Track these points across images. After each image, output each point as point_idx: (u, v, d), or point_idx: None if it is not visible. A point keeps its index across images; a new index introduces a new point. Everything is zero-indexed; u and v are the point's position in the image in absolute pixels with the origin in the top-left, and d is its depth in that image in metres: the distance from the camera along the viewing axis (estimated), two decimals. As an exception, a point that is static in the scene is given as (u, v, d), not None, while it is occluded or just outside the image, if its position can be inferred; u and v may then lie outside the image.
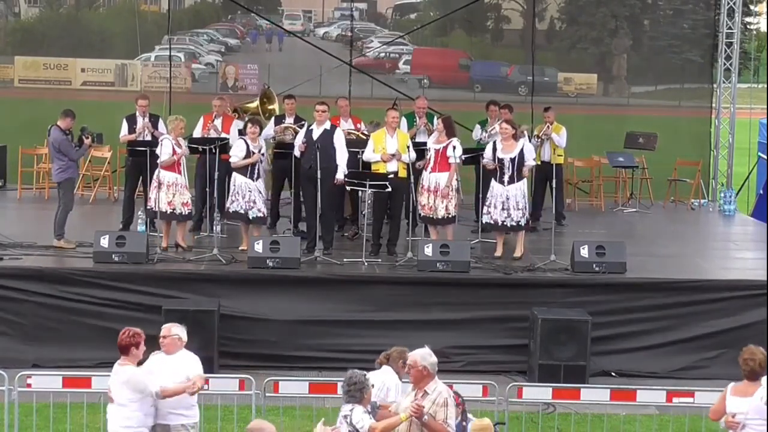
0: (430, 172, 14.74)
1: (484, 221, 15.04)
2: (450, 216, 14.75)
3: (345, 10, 25.88)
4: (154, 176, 14.55)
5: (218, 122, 16.09)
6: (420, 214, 14.80)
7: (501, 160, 14.75)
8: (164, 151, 14.49)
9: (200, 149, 15.21)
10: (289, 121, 16.40)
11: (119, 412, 9.02)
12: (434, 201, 14.67)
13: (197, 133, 15.84)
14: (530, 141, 15.91)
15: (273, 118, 16.56)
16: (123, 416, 9.00)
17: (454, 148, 14.69)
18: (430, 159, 14.79)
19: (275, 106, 17.22)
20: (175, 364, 9.29)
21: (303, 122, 16.40)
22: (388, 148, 14.79)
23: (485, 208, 14.92)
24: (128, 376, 9.00)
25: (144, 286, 13.71)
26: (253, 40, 26.61)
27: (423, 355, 8.56)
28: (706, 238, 18.33)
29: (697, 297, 14.02)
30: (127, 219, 15.99)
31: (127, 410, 9.00)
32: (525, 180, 14.82)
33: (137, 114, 16.05)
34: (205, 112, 16.45)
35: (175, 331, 9.36)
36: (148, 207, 14.73)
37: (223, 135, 15.82)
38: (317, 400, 10.89)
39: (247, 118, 15.91)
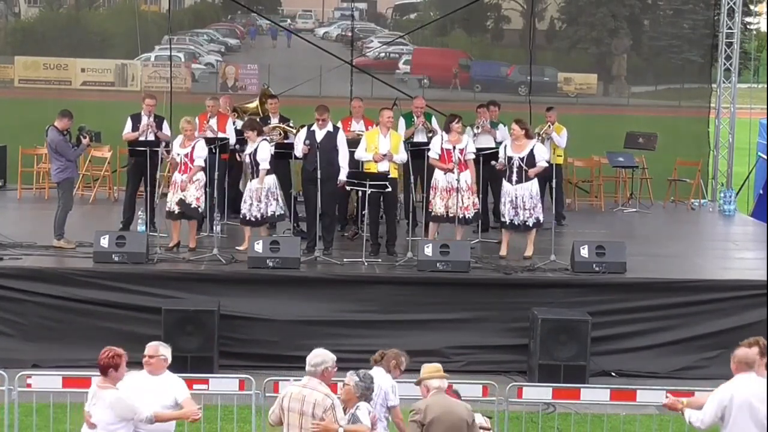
0: (459, 173, 14.72)
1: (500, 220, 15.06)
2: (477, 212, 14.88)
3: (345, 10, 25.88)
4: (173, 179, 14.70)
5: (213, 122, 16.12)
6: (442, 215, 14.76)
7: (510, 159, 14.76)
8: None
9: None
10: (275, 121, 16.43)
11: None
12: (467, 199, 14.67)
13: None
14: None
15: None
16: None
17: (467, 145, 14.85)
18: (455, 160, 14.75)
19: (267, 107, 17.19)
20: (161, 386, 8.81)
21: (289, 121, 16.41)
22: (380, 148, 14.80)
23: (500, 206, 14.91)
24: (113, 400, 8.53)
25: (144, 286, 13.72)
26: (252, 37, 26.61)
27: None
28: (706, 238, 18.34)
29: (697, 297, 14.03)
30: (128, 219, 15.99)
31: None
32: (536, 180, 14.82)
33: (143, 113, 16.06)
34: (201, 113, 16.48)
35: (162, 351, 8.92)
36: (167, 209, 14.72)
37: (220, 134, 15.85)
38: (317, 400, 10.89)
39: (245, 119, 15.93)
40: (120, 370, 8.65)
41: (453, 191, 14.68)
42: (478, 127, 16.68)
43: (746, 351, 8.86)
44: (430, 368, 8.90)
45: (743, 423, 8.61)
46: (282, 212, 14.85)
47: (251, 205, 14.62)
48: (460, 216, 14.70)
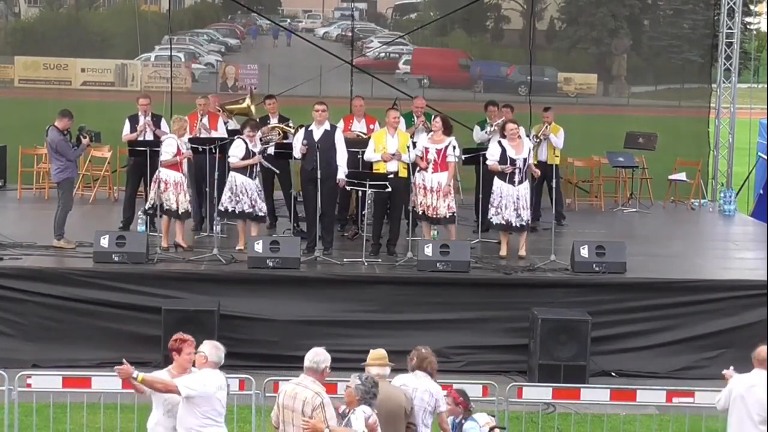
0: (432, 173, 14.70)
1: (494, 222, 14.93)
2: (452, 214, 14.76)
3: (345, 10, 25.88)
4: (155, 175, 14.59)
5: (205, 120, 16.14)
6: (419, 213, 14.77)
7: (514, 161, 14.74)
8: (168, 150, 14.51)
9: (200, 149, 15.23)
10: (274, 121, 16.43)
11: None
12: (436, 201, 14.64)
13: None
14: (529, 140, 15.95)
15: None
16: None
17: (454, 147, 14.72)
18: (431, 159, 14.72)
19: (252, 109, 17.16)
20: None
21: (288, 120, 16.41)
22: (388, 147, 14.80)
23: (494, 208, 14.83)
24: None
25: (144, 286, 13.72)
26: (253, 36, 26.63)
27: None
28: (706, 238, 18.33)
29: (697, 297, 14.03)
30: (128, 219, 16.00)
31: None
32: (528, 180, 14.84)
33: (139, 113, 16.09)
34: (207, 113, 16.48)
35: (201, 348, 9.02)
36: (149, 206, 14.75)
37: (213, 133, 15.88)
38: (317, 400, 10.88)
39: (245, 120, 15.93)
40: (182, 354, 8.97)
41: (427, 191, 14.68)
42: (491, 126, 16.68)
43: (761, 348, 9.13)
44: (374, 355, 9.03)
45: (737, 415, 9.04)
46: (263, 214, 14.85)
47: (238, 200, 14.61)
48: (431, 216, 14.68)
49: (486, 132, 16.80)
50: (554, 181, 15.39)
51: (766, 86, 28.41)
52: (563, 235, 16.47)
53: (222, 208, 14.66)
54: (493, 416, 10.14)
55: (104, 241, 14.01)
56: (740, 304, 13.98)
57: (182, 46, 25.07)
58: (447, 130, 14.82)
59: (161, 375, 8.99)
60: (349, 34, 24.09)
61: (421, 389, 9.03)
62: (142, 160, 15.34)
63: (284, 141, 16.04)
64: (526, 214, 14.76)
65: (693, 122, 21.95)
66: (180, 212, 14.62)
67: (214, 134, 15.89)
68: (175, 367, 9.01)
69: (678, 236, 17.57)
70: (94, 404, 10.85)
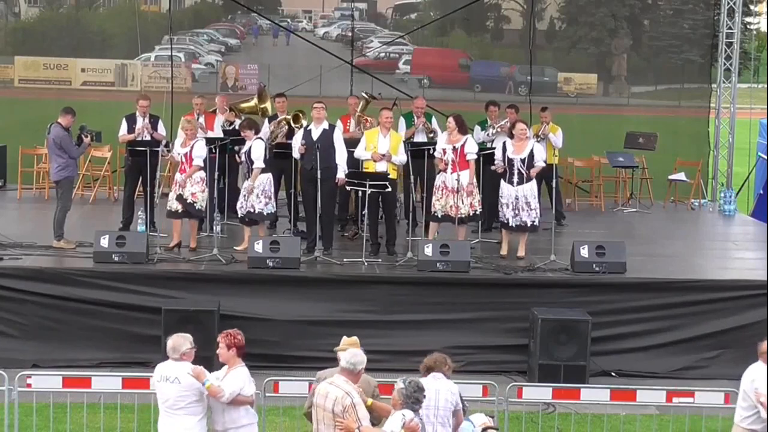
0: (451, 173, 14.68)
1: (499, 220, 15.04)
2: (475, 213, 14.77)
3: (345, 10, 25.89)
4: (175, 179, 14.75)
5: (201, 120, 16.16)
6: (438, 216, 14.72)
7: (511, 161, 14.74)
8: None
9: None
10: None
11: None
12: (459, 200, 14.61)
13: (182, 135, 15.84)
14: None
15: (267, 119, 16.57)
16: None
17: (466, 142, 14.74)
18: (448, 159, 14.70)
19: (267, 105, 17.20)
20: None
21: (302, 115, 16.39)
22: (379, 147, 14.79)
23: (501, 208, 14.88)
24: None
25: (144, 286, 13.71)
26: (255, 35, 26.64)
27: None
28: (706, 238, 18.33)
29: (697, 297, 14.03)
30: (127, 219, 15.99)
31: None
32: (534, 181, 14.82)
33: (137, 114, 16.07)
34: (203, 113, 16.49)
35: None
36: (168, 208, 14.76)
37: (210, 133, 15.90)
38: (317, 400, 10.86)
39: (242, 119, 15.95)
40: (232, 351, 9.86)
41: (447, 191, 14.67)
42: (492, 127, 16.68)
43: (762, 343, 9.30)
44: (346, 341, 9.26)
45: (740, 406, 9.39)
46: (272, 211, 14.85)
47: (243, 203, 14.66)
48: (455, 216, 14.66)
49: (486, 133, 16.80)
50: (554, 181, 15.42)
51: (766, 86, 28.40)
52: (563, 235, 16.47)
53: (243, 216, 14.78)
54: (493, 416, 10.13)
55: (104, 241, 14.01)
56: (740, 304, 13.98)
57: (182, 46, 25.07)
58: (462, 129, 14.86)
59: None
60: (349, 34, 24.09)
61: (443, 390, 8.98)
62: (140, 160, 15.34)
63: (287, 141, 16.01)
64: (525, 215, 14.72)
65: (693, 122, 21.95)
66: (170, 210, 14.68)
67: (210, 134, 15.91)
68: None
69: (678, 236, 17.56)
70: (94, 404, 10.86)
